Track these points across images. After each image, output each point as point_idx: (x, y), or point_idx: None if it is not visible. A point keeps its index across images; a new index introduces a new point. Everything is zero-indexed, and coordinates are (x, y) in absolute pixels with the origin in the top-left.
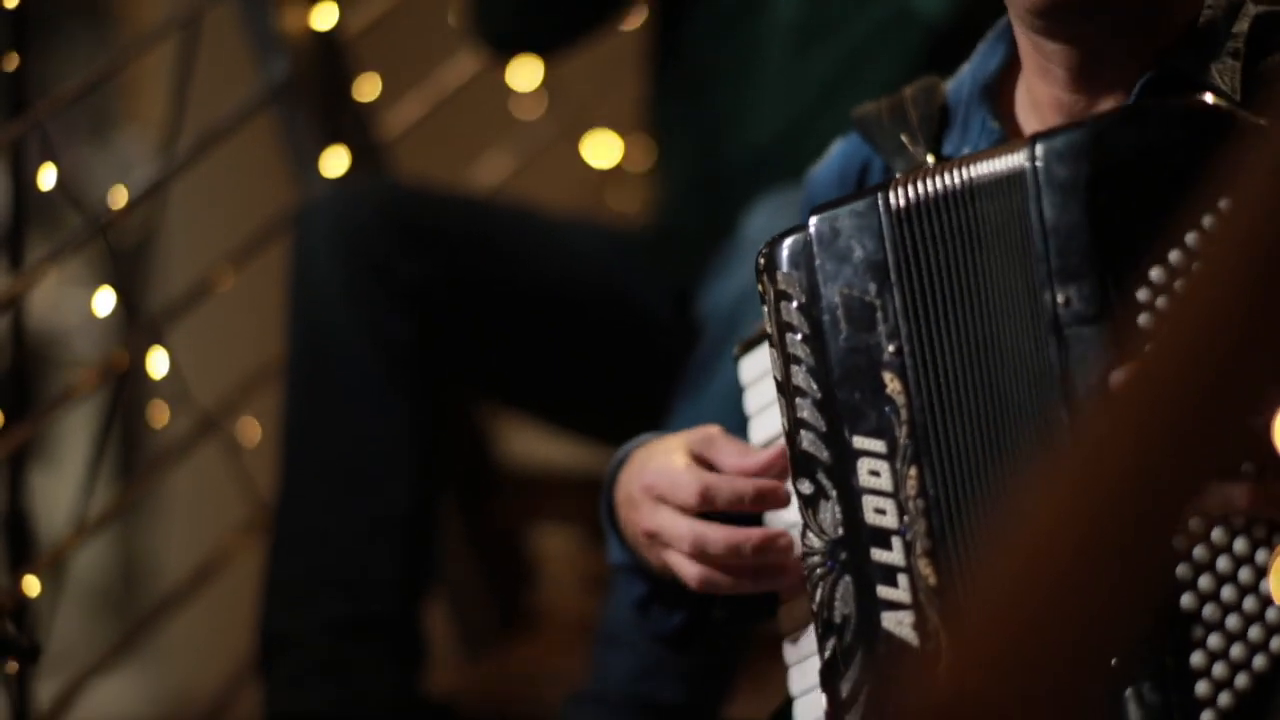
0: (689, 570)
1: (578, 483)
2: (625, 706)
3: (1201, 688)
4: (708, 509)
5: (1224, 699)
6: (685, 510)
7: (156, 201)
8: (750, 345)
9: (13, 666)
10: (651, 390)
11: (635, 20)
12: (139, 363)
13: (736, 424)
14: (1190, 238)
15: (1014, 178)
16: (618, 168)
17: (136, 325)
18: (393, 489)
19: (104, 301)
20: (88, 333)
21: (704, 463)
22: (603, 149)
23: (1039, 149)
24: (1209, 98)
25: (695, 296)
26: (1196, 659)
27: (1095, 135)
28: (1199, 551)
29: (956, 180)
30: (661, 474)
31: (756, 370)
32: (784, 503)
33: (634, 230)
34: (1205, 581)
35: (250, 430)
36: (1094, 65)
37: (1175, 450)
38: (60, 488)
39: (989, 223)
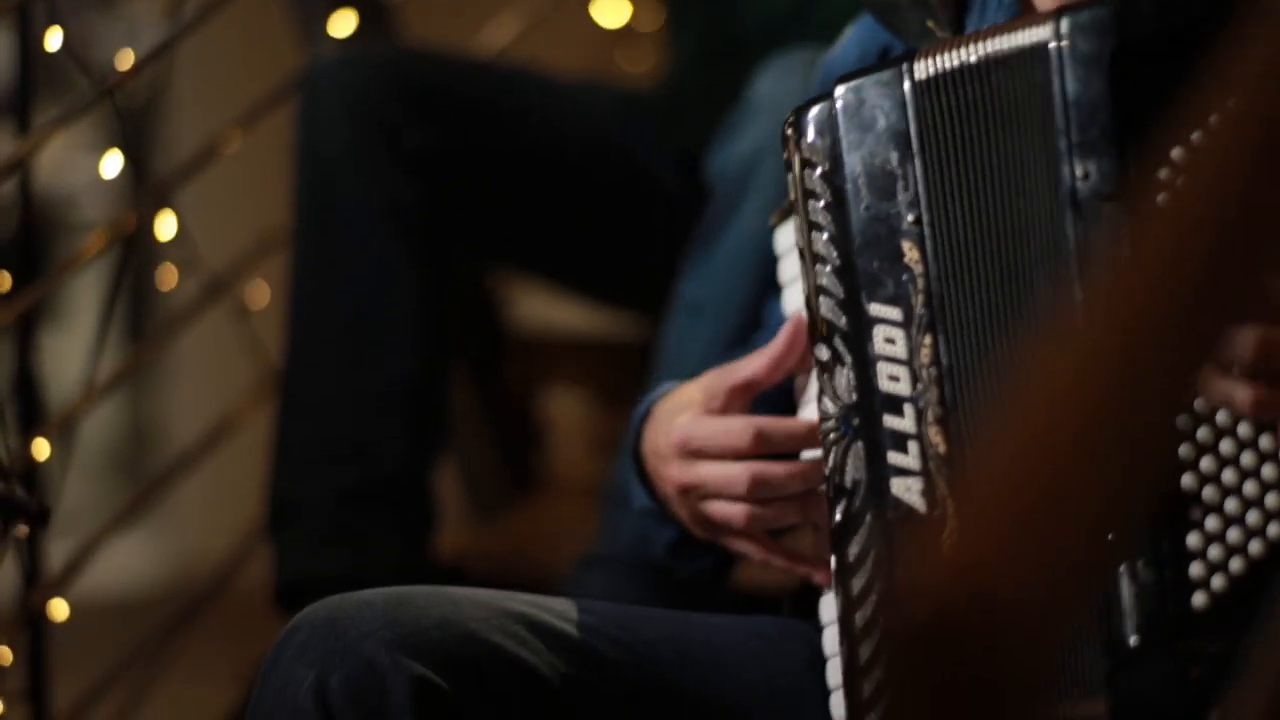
0: (734, 513)
1: (587, 346)
2: (634, 569)
3: (1196, 569)
4: (762, 452)
5: (1217, 581)
6: (739, 452)
7: (164, 64)
8: (786, 215)
9: (23, 530)
10: (660, 253)
11: None
12: (147, 226)
13: (744, 284)
14: (1214, 119)
15: (1037, 50)
16: (627, 28)
17: (144, 188)
18: (402, 353)
19: (112, 164)
20: (96, 196)
21: (732, 397)
22: (612, 10)
23: (1064, 23)
24: None
25: (704, 160)
26: (1193, 540)
27: (1121, 10)
28: (1202, 433)
29: (980, 52)
30: (698, 426)
31: (789, 241)
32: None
33: (643, 93)
34: (1207, 463)
35: (259, 293)
36: None
37: (1181, 326)
38: (69, 351)
39: (1011, 96)
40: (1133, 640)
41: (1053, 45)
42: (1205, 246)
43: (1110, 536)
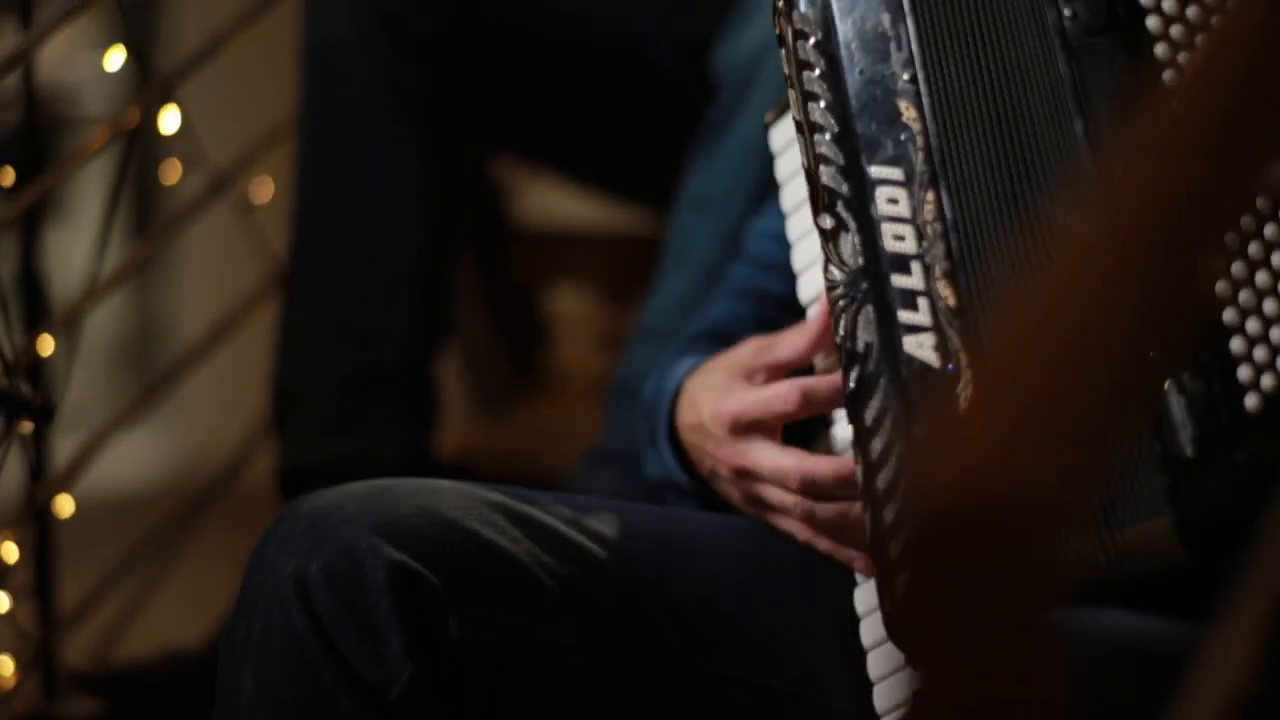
0: (789, 501)
1: (594, 240)
2: (639, 465)
3: (1243, 372)
4: (814, 413)
5: (1267, 381)
6: (788, 415)
7: None
8: (781, 113)
9: (28, 426)
10: (667, 145)
11: None
12: (151, 120)
13: (749, 179)
14: None
15: None
16: None
17: (148, 82)
18: (407, 240)
19: (115, 58)
20: (99, 90)
21: (769, 371)
22: None
23: None
24: None
25: (711, 52)
26: (1236, 345)
27: None
28: (1230, 240)
29: None
30: (745, 400)
31: (786, 137)
32: None
33: None
34: (1238, 268)
35: (263, 188)
36: None
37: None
38: (74, 246)
39: None
40: (1189, 451)
41: None
42: (1229, 86)
43: (1131, 409)
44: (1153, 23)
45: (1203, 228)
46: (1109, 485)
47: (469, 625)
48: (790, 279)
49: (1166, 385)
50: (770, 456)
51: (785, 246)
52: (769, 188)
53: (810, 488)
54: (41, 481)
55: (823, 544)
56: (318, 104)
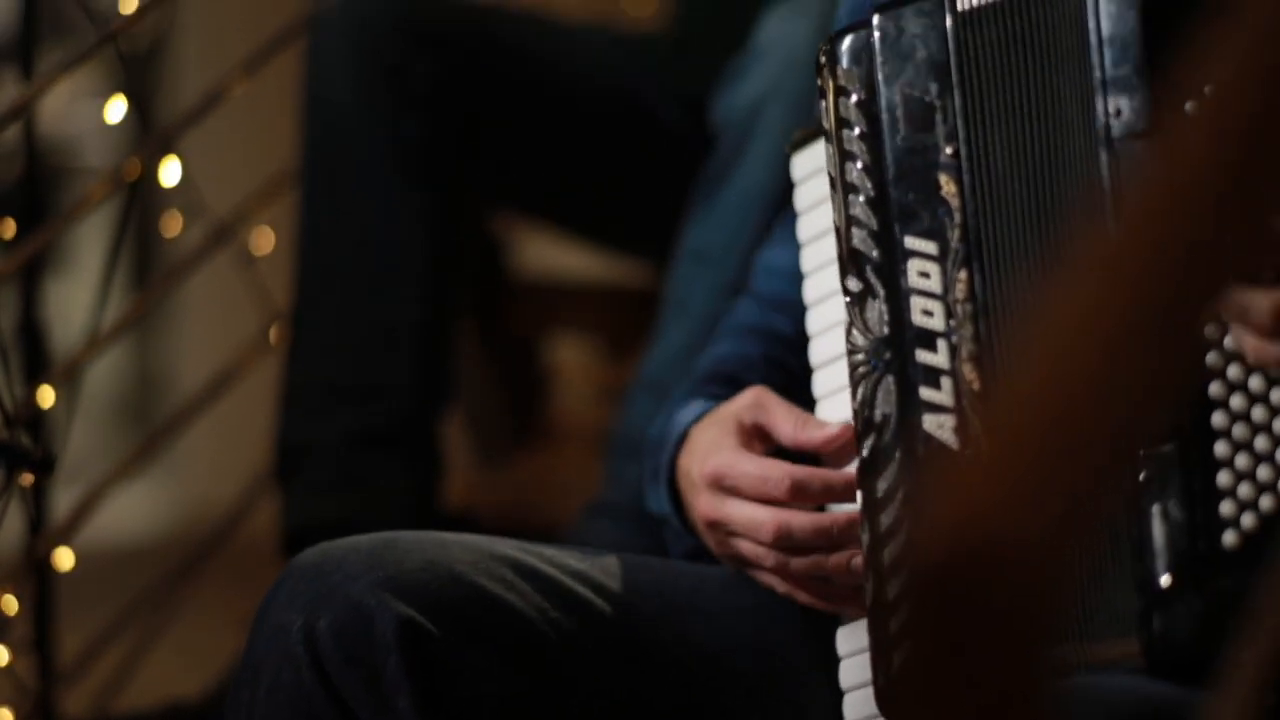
0: (761, 554)
1: (593, 293)
2: (640, 517)
3: (1226, 507)
4: (800, 502)
5: (1248, 520)
6: (774, 500)
7: (167, 7)
8: (803, 141)
9: (28, 478)
10: (666, 198)
11: None
12: (151, 171)
13: (749, 230)
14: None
15: None
16: None
17: (149, 133)
18: (409, 294)
19: (116, 109)
20: (100, 141)
21: (759, 432)
22: None
23: None
24: None
25: (710, 104)
26: (1223, 478)
27: None
28: (1233, 370)
29: None
30: (734, 464)
31: (809, 167)
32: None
33: (648, 36)
34: (1237, 400)
35: (264, 239)
36: None
37: (1204, 254)
38: (74, 297)
39: (1048, 30)
40: (1164, 580)
41: None
42: (1227, 173)
43: (1126, 472)
44: (1191, 108)
45: (1202, 290)
46: (1089, 595)
47: (476, 680)
48: (799, 318)
49: (1153, 509)
50: (745, 511)
51: (794, 283)
52: (775, 220)
53: (785, 541)
54: (41, 534)
55: (802, 596)
56: (319, 156)
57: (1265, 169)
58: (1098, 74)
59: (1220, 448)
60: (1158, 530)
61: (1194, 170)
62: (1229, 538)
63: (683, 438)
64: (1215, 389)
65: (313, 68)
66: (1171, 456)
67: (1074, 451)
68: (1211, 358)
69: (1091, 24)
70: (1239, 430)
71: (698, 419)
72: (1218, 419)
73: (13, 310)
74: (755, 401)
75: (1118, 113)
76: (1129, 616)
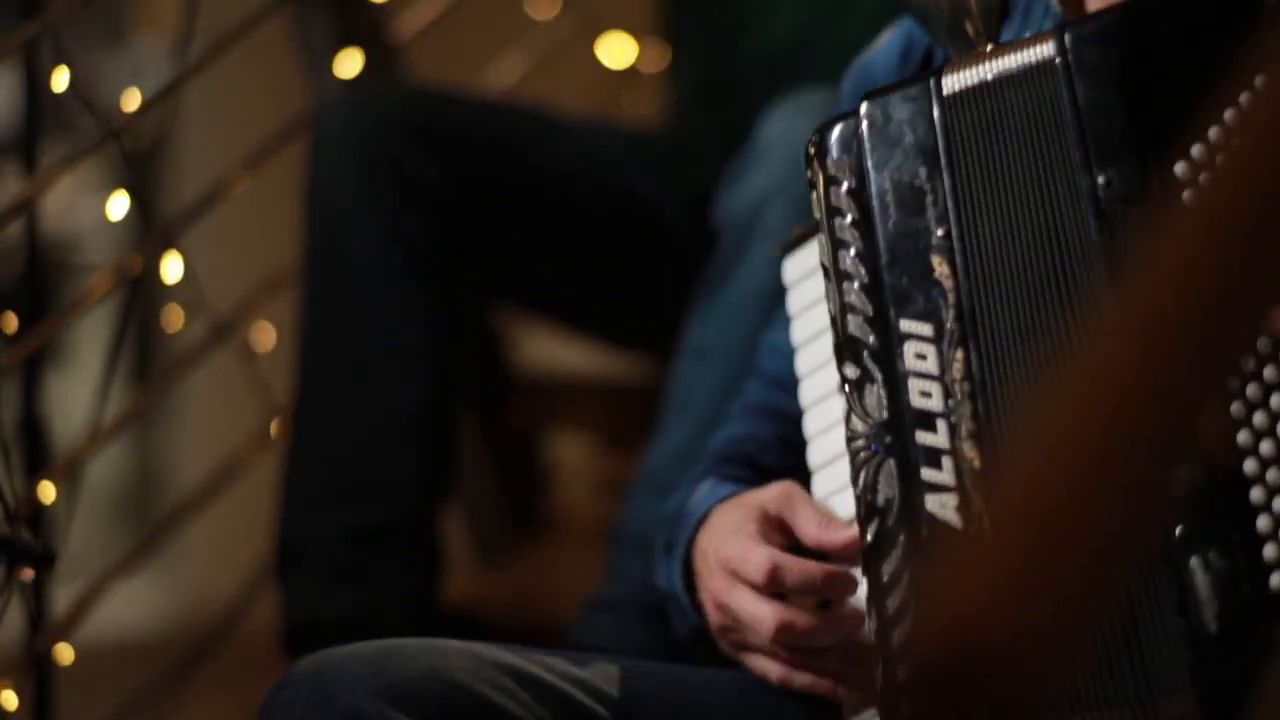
0: (768, 667)
1: (593, 389)
2: (642, 613)
3: (1269, 551)
4: (776, 590)
5: None
6: (754, 588)
7: (170, 104)
8: (794, 245)
9: (28, 573)
10: (667, 295)
11: None
12: (153, 267)
13: (751, 327)
14: (1229, 114)
15: (1044, 66)
16: (632, 69)
17: (151, 229)
18: (410, 392)
19: (118, 206)
20: (102, 237)
21: (782, 525)
22: (617, 50)
23: (1068, 36)
24: None
25: (711, 201)
26: (1262, 523)
27: (1124, 20)
28: (1259, 418)
29: (995, 69)
30: (736, 546)
31: (800, 269)
32: (853, 590)
33: (649, 133)
34: (1267, 447)
35: (265, 335)
36: None
37: (1205, 327)
38: (75, 393)
39: (1028, 110)
40: (1214, 627)
41: (1058, 59)
42: (1227, 247)
43: (1128, 559)
44: (1189, 196)
45: (1200, 380)
46: (1142, 661)
47: None
48: None
49: (1193, 562)
50: (750, 604)
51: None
52: (778, 300)
53: (785, 637)
54: (41, 628)
55: (800, 679)
56: (321, 251)
57: (1256, 268)
58: (1079, 148)
59: (1256, 494)
60: (1201, 581)
61: (1195, 239)
62: (1276, 580)
63: (705, 516)
64: (1244, 437)
65: (315, 164)
66: (1204, 507)
67: (1071, 541)
68: (1235, 408)
69: (1067, 99)
70: (1273, 475)
71: (723, 500)
72: (1249, 466)
73: (14, 405)
74: (783, 495)
75: (1108, 183)
76: (1181, 673)
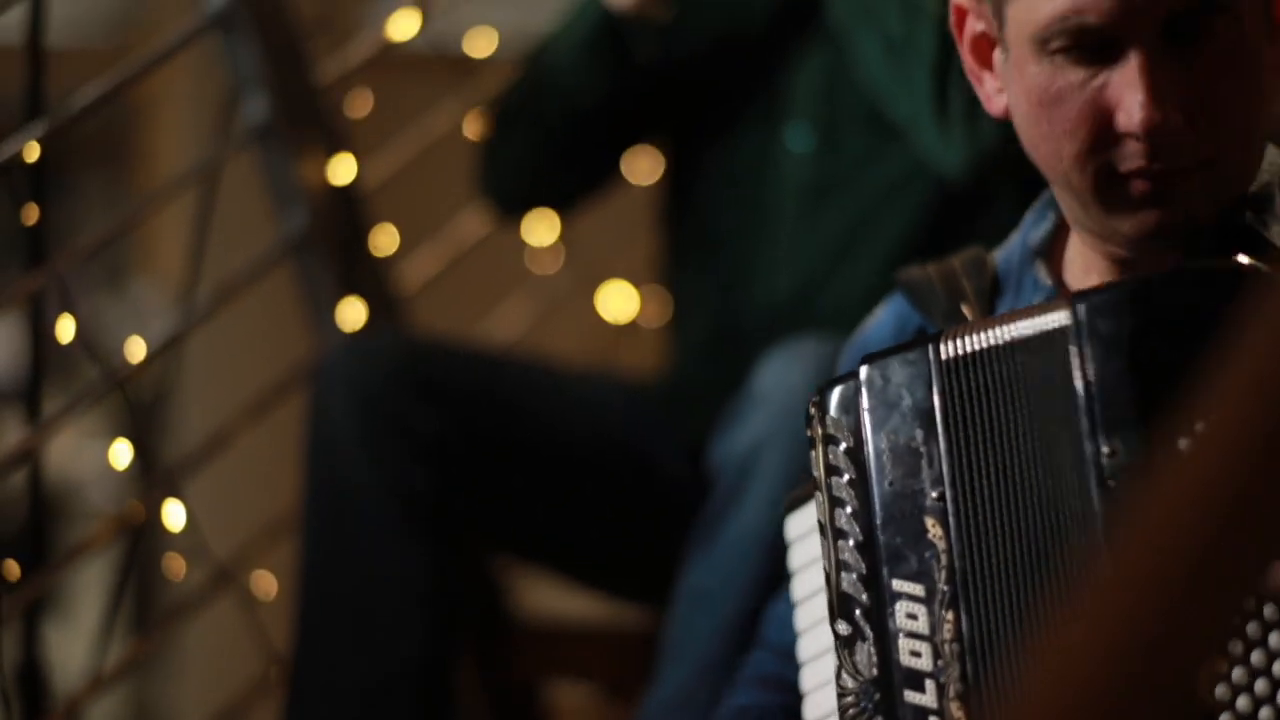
0: None
1: (594, 637)
2: None
3: None
4: None
5: None
6: None
7: (173, 354)
8: (797, 502)
9: None
10: (666, 544)
11: (649, 177)
12: (155, 515)
13: (747, 573)
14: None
15: (1057, 333)
16: (633, 322)
17: (153, 477)
18: (411, 642)
19: (121, 454)
20: (104, 484)
21: None
22: (618, 303)
23: (1081, 306)
24: (1243, 259)
25: (706, 449)
26: None
27: (1135, 293)
28: (1237, 674)
29: (1004, 335)
30: None
31: (803, 527)
32: None
33: (649, 385)
34: (1243, 702)
35: (266, 583)
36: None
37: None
38: (75, 640)
39: (1035, 376)
40: None
41: (1071, 327)
42: (1215, 519)
43: None
44: (1185, 444)
45: (1192, 639)
46: None
47: None
48: None
49: None
50: None
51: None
52: (775, 551)
53: None
54: None
55: None
56: (321, 501)
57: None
58: (1086, 417)
59: None
60: None
61: (1188, 506)
62: None
63: None
64: (1221, 691)
65: (316, 416)
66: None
67: None
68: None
69: (1077, 368)
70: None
71: None
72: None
73: (14, 652)
74: None
75: (1112, 454)
76: None
